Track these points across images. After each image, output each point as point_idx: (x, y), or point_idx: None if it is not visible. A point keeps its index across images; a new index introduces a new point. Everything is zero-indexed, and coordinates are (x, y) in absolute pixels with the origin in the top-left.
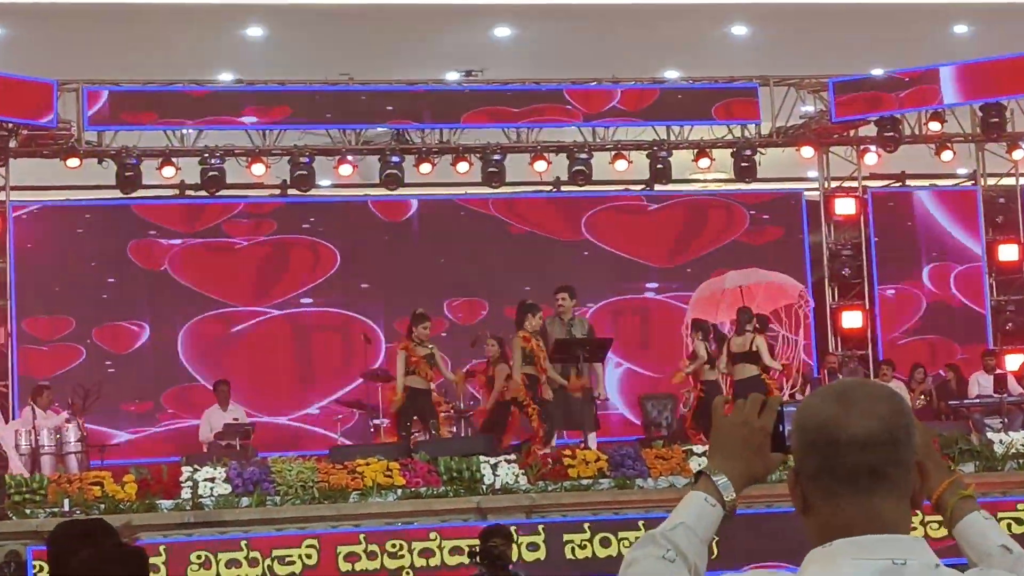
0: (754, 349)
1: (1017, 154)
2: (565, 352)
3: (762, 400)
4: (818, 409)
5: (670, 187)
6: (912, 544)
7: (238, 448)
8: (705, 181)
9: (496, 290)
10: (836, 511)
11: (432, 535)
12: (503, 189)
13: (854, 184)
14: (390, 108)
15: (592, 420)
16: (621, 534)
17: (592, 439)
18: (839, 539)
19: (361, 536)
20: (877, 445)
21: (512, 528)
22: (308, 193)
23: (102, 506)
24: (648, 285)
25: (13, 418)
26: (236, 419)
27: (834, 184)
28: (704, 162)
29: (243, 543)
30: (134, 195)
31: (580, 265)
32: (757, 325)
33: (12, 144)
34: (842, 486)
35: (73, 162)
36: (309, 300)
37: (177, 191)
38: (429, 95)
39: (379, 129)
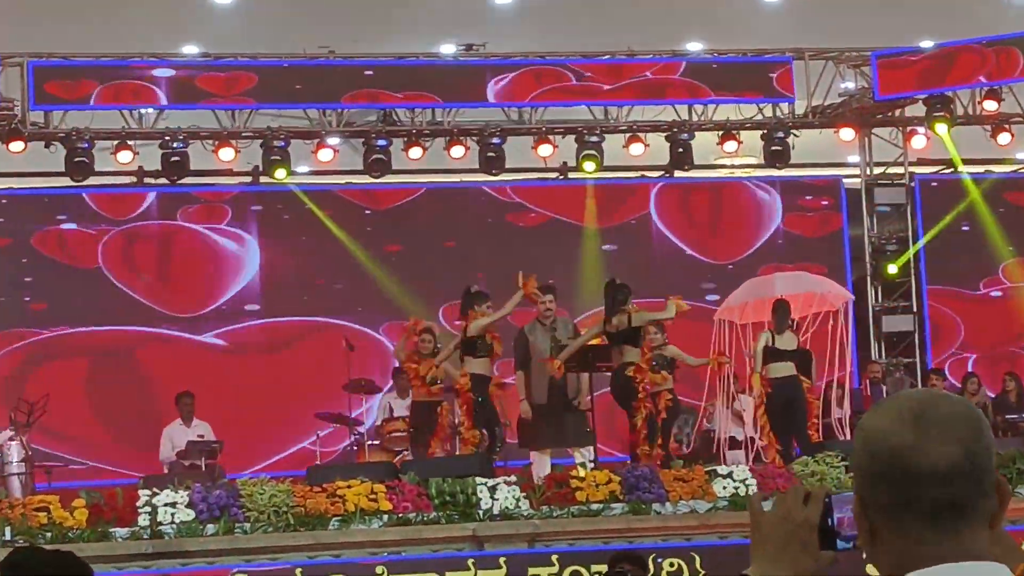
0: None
1: None
2: (578, 361)
3: (806, 491)
4: (888, 433)
5: (692, 173)
6: (995, 571)
7: (203, 468)
8: (732, 167)
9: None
10: (912, 545)
11: (425, 567)
12: (503, 176)
13: (900, 170)
14: (376, 86)
15: (582, 433)
16: None
17: (585, 455)
18: (914, 572)
19: (342, 568)
20: (960, 476)
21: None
22: (284, 181)
23: (48, 534)
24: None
25: None
26: (201, 436)
27: (877, 170)
28: (730, 145)
29: None
30: (86, 183)
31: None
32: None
33: None
34: (921, 521)
35: (17, 145)
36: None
37: (134, 178)
38: (421, 71)
39: (363, 109)
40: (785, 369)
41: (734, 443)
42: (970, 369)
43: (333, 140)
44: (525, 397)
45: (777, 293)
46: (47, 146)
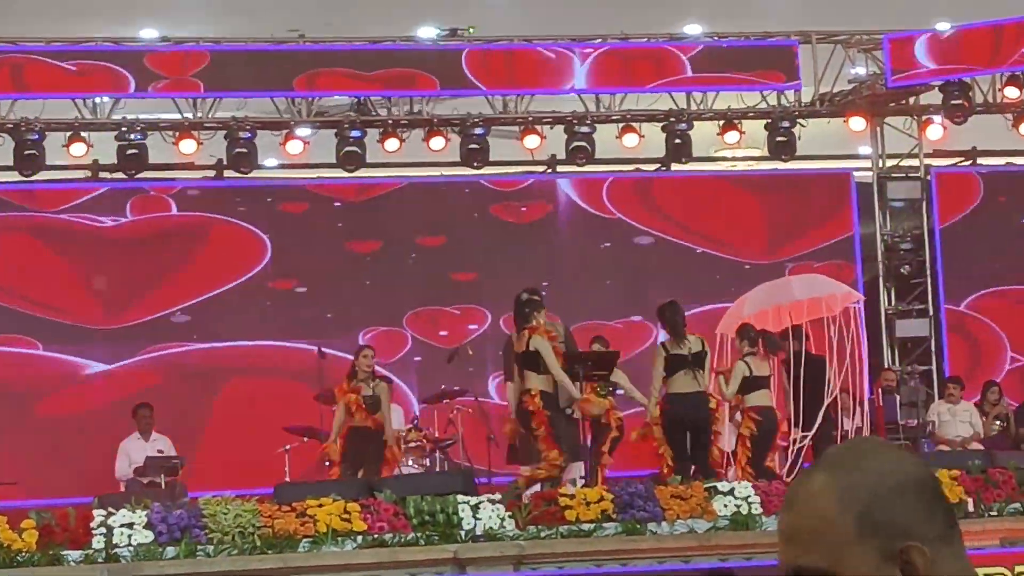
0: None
1: None
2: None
3: None
4: (914, 463)
5: (691, 167)
6: None
7: (163, 486)
8: (734, 159)
9: (498, 290)
10: (965, 566)
11: None
12: (486, 170)
13: (914, 163)
14: (349, 72)
15: (574, 447)
16: None
17: (576, 471)
18: None
19: None
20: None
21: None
22: (250, 175)
23: None
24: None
25: None
26: (161, 451)
27: (890, 163)
28: (732, 136)
29: None
30: (36, 177)
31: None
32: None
33: None
34: (958, 534)
35: None
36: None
37: (88, 172)
38: (398, 56)
39: (336, 98)
40: (763, 398)
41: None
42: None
43: (303, 131)
44: (514, 410)
45: (796, 297)
46: None
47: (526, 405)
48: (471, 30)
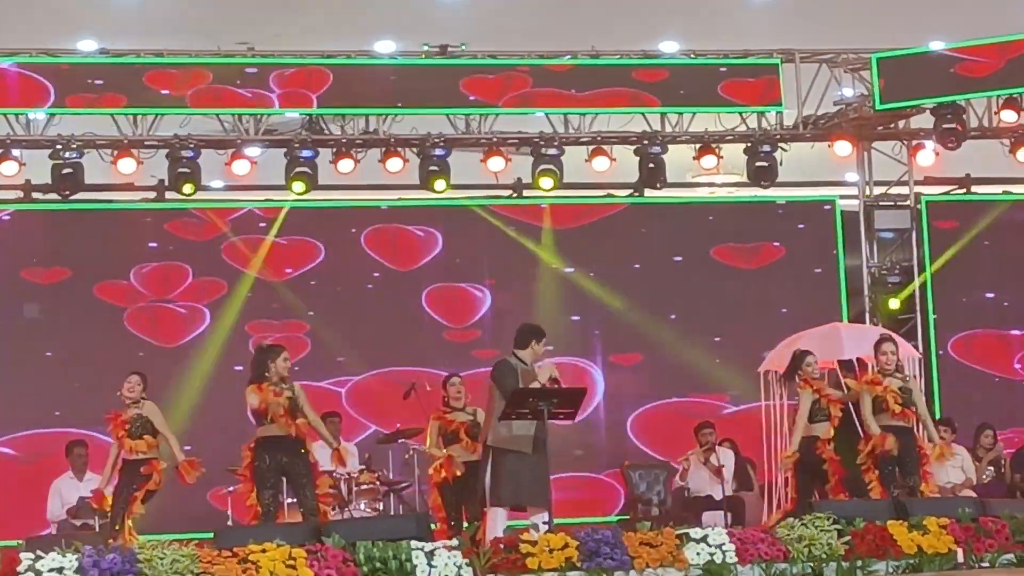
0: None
1: None
2: (523, 404)
3: None
4: None
5: (664, 193)
6: None
7: (97, 530)
8: (711, 185)
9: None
10: None
11: None
12: (448, 194)
13: (904, 190)
14: (299, 87)
15: (545, 492)
16: None
17: (542, 517)
18: None
19: None
20: None
21: None
22: (192, 196)
23: None
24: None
25: None
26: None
27: (878, 190)
28: (709, 160)
29: None
30: None
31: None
32: None
33: None
34: None
35: None
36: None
37: (20, 193)
38: (352, 72)
39: (286, 115)
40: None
41: (711, 503)
42: None
43: (251, 150)
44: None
45: (845, 354)
46: None
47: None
48: (463, 47)
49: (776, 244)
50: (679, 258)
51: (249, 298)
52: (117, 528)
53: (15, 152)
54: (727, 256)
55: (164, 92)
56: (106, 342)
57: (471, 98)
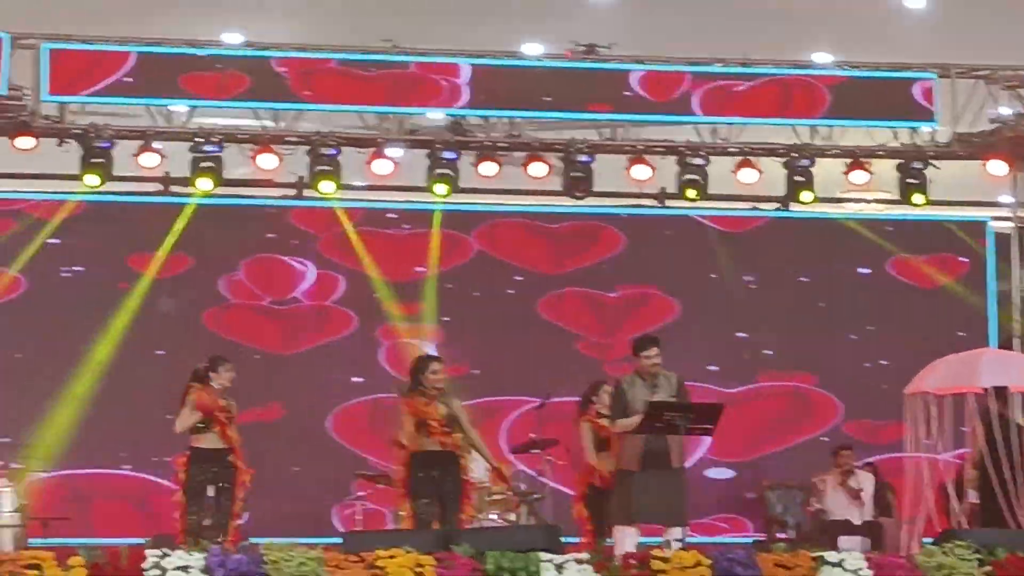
0: None
1: None
2: (657, 419)
3: None
4: None
5: (811, 208)
6: None
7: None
8: (861, 201)
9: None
10: None
11: None
12: (589, 201)
13: None
14: (445, 86)
15: (680, 509)
16: None
17: (676, 534)
18: None
19: None
20: None
21: None
22: (331, 195)
23: None
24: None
25: None
26: None
27: None
28: (858, 176)
29: None
30: (103, 188)
31: None
32: None
33: None
34: None
35: (26, 141)
36: None
37: (160, 185)
38: (496, 73)
39: (429, 115)
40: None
41: (849, 527)
42: None
43: (394, 150)
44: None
45: (982, 383)
46: (60, 143)
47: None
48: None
49: (924, 264)
50: (805, 278)
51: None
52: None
53: (156, 145)
54: (876, 276)
55: (306, 92)
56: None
57: (625, 95)
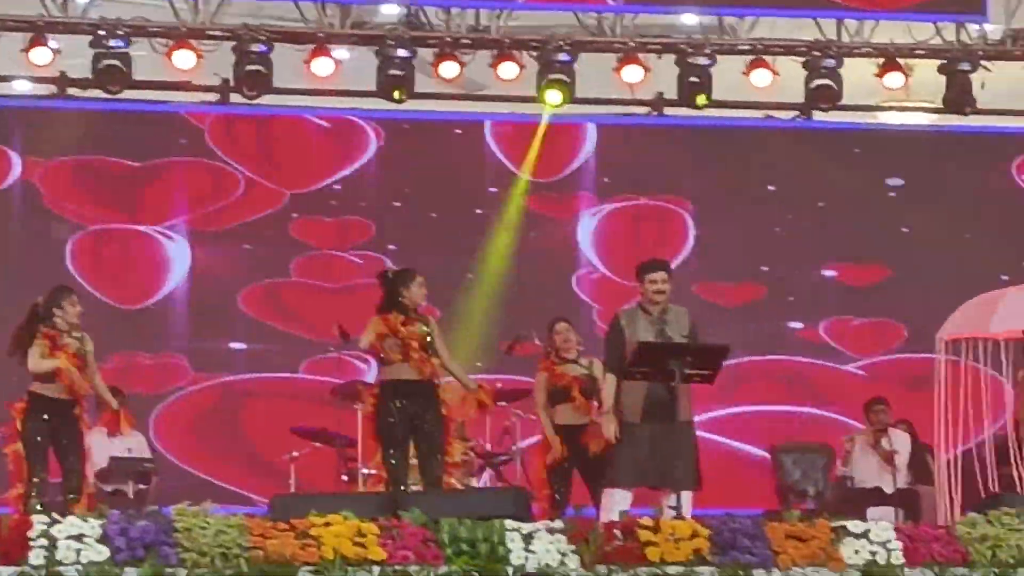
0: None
1: None
2: (650, 362)
3: None
4: None
5: (837, 115)
6: None
7: (131, 496)
8: (898, 108)
9: None
10: None
11: None
12: (572, 107)
13: None
14: None
15: (690, 472)
16: None
17: (686, 501)
18: None
19: None
20: None
21: None
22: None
23: None
24: None
25: None
26: (131, 450)
27: None
28: (894, 78)
29: None
30: None
31: None
32: None
33: None
34: None
35: None
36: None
37: (55, 88)
38: None
39: (380, 7)
40: None
41: (879, 496)
42: None
43: (337, 48)
44: (613, 413)
45: (991, 329)
46: None
47: None
48: None
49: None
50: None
51: None
52: None
53: (50, 39)
54: (911, 195)
55: None
56: None
57: None
